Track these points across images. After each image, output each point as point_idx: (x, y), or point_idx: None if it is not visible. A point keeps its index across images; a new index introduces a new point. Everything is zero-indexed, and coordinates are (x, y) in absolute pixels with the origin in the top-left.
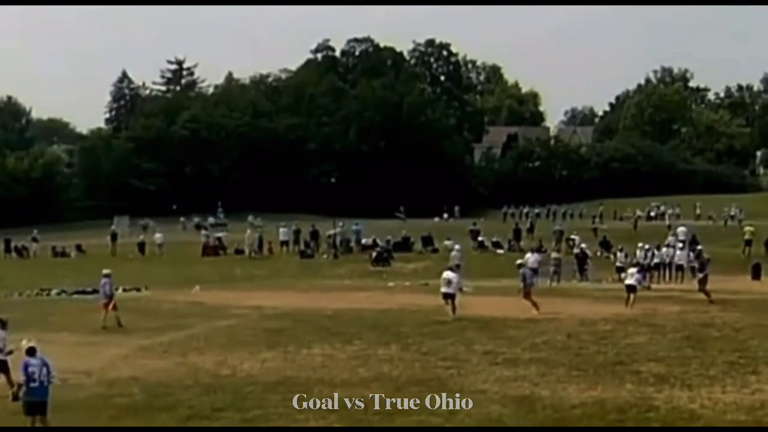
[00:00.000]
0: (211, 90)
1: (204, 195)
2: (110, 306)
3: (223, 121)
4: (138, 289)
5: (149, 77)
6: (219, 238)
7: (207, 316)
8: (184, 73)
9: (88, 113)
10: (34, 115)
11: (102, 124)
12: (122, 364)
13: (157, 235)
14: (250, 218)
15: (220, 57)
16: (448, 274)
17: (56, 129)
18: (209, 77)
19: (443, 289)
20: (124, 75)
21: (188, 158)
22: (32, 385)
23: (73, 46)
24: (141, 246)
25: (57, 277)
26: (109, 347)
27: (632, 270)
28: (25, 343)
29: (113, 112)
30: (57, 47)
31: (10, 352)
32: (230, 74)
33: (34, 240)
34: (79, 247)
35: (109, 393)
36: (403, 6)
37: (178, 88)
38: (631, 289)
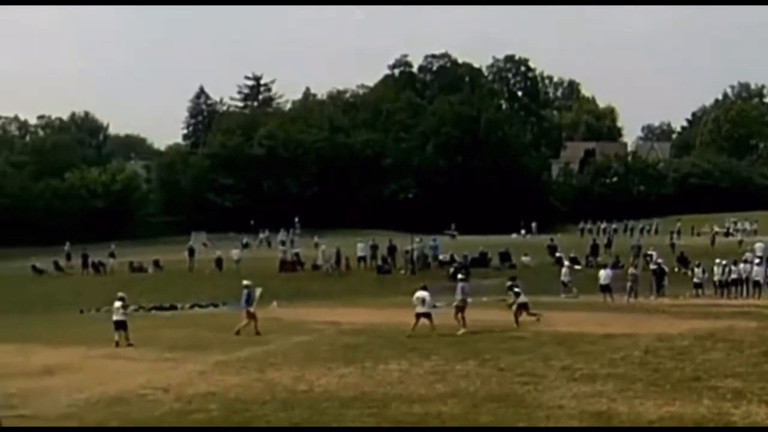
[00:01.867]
0: (288, 106)
1: (281, 211)
2: (250, 316)
3: (300, 137)
4: (215, 305)
5: (227, 93)
6: (297, 254)
7: (284, 332)
8: (262, 89)
9: (165, 129)
10: (112, 130)
11: (179, 140)
12: (199, 380)
13: (234, 251)
14: (316, 239)
15: (298, 73)
16: (421, 294)
17: (133, 145)
18: (287, 93)
19: (418, 309)
20: (202, 91)
21: (266, 174)
22: None
23: (150, 63)
24: (218, 261)
25: (134, 292)
26: (187, 363)
27: None
28: None
29: (190, 128)
30: (134, 63)
31: None
32: (308, 90)
33: (112, 255)
34: (156, 263)
35: (186, 409)
36: (481, 22)
37: (255, 104)
38: None
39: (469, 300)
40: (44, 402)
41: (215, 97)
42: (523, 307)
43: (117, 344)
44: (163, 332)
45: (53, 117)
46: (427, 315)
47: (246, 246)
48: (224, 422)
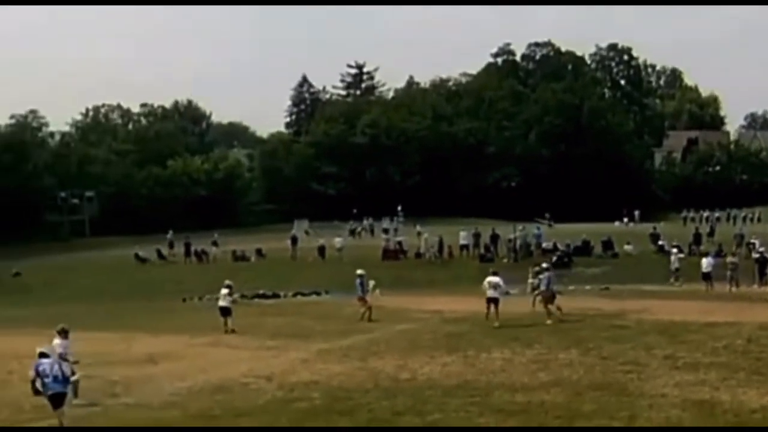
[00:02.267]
0: (391, 94)
1: (384, 199)
2: (365, 302)
3: (403, 126)
4: (318, 293)
5: (329, 82)
6: (399, 242)
7: (387, 320)
8: (365, 77)
9: (268, 117)
10: (214, 119)
11: (282, 128)
12: (302, 368)
13: (337, 239)
14: (418, 227)
15: (401, 61)
16: (493, 279)
17: (236, 133)
18: (389, 81)
19: (489, 294)
20: (305, 79)
21: (368, 162)
22: (46, 380)
23: (253, 51)
24: (321, 250)
25: (237, 281)
26: (289, 351)
27: None
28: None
29: (293, 117)
30: (237, 52)
31: (76, 362)
32: (411, 78)
33: (214, 244)
34: (259, 251)
35: (289, 397)
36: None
37: (358, 92)
38: None
39: (555, 288)
40: (147, 390)
41: (318, 85)
42: (548, 296)
43: (226, 330)
44: (265, 320)
45: (156, 105)
46: (496, 300)
47: (354, 232)
48: (327, 410)
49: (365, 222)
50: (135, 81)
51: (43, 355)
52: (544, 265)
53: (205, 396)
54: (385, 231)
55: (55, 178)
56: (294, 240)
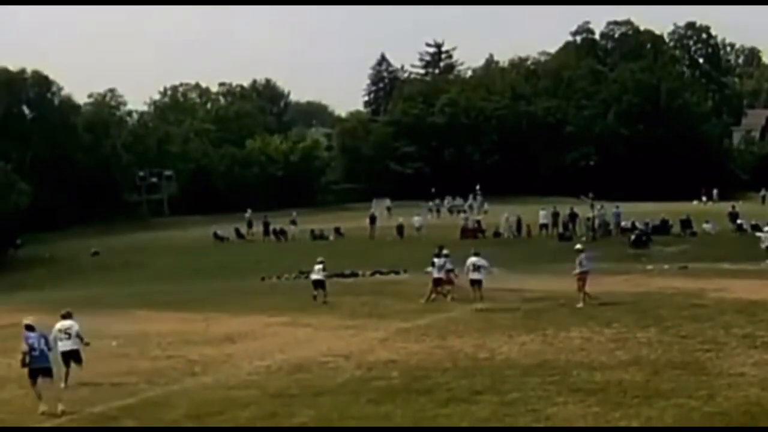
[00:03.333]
0: (469, 73)
1: (462, 178)
2: (450, 282)
3: (481, 105)
4: (396, 272)
5: (408, 60)
6: (478, 221)
7: (465, 300)
8: (443, 56)
9: (346, 96)
10: (293, 98)
11: (360, 108)
12: (381, 347)
13: (416, 218)
14: (495, 206)
15: (479, 40)
16: (474, 259)
17: (314, 112)
18: (468, 60)
19: (472, 276)
20: (383, 58)
21: (446, 142)
22: (34, 353)
23: (331, 30)
24: (399, 229)
25: (315, 260)
26: (368, 330)
27: None
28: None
29: (371, 96)
30: (315, 31)
31: (87, 344)
32: (490, 57)
33: (293, 223)
34: (337, 230)
35: (367, 376)
36: None
37: (436, 71)
38: None
39: (592, 266)
40: (225, 369)
41: (396, 64)
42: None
43: (314, 298)
44: (344, 299)
45: (234, 84)
46: (479, 282)
47: (433, 210)
48: (405, 389)
49: (444, 201)
50: (213, 60)
51: (29, 327)
52: (578, 246)
53: (284, 375)
54: (464, 210)
55: (133, 157)
56: (372, 219)
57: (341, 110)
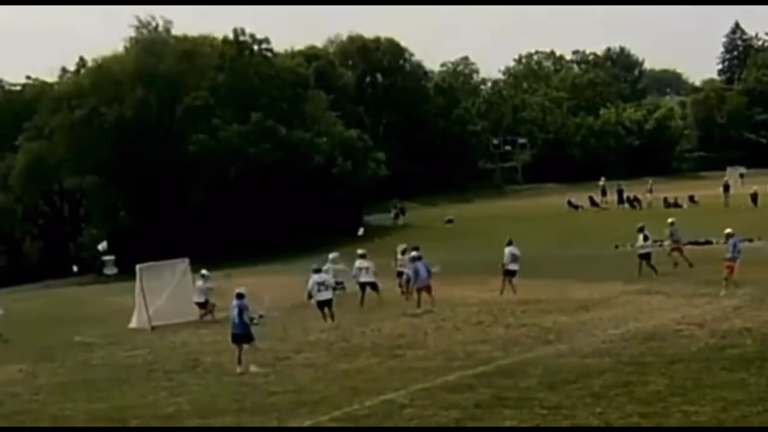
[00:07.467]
0: None
1: None
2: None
3: None
4: (750, 240)
5: (762, 29)
6: None
7: None
8: None
9: (701, 64)
10: (647, 65)
11: (714, 75)
12: (734, 315)
13: None
14: None
15: None
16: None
17: (668, 80)
18: None
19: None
20: (737, 26)
21: None
22: (234, 321)
23: None
24: (753, 197)
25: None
26: (721, 298)
27: None
28: None
29: (725, 64)
30: None
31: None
32: None
33: (650, 191)
34: (691, 198)
35: (721, 344)
36: None
37: None
38: None
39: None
40: (579, 337)
41: (750, 32)
42: (645, 257)
43: (675, 265)
44: (698, 267)
45: (588, 52)
46: (374, 285)
47: None
48: (758, 357)
49: None
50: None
51: (239, 296)
52: (729, 230)
53: (637, 343)
54: None
55: (488, 124)
56: (726, 187)
57: (696, 78)
